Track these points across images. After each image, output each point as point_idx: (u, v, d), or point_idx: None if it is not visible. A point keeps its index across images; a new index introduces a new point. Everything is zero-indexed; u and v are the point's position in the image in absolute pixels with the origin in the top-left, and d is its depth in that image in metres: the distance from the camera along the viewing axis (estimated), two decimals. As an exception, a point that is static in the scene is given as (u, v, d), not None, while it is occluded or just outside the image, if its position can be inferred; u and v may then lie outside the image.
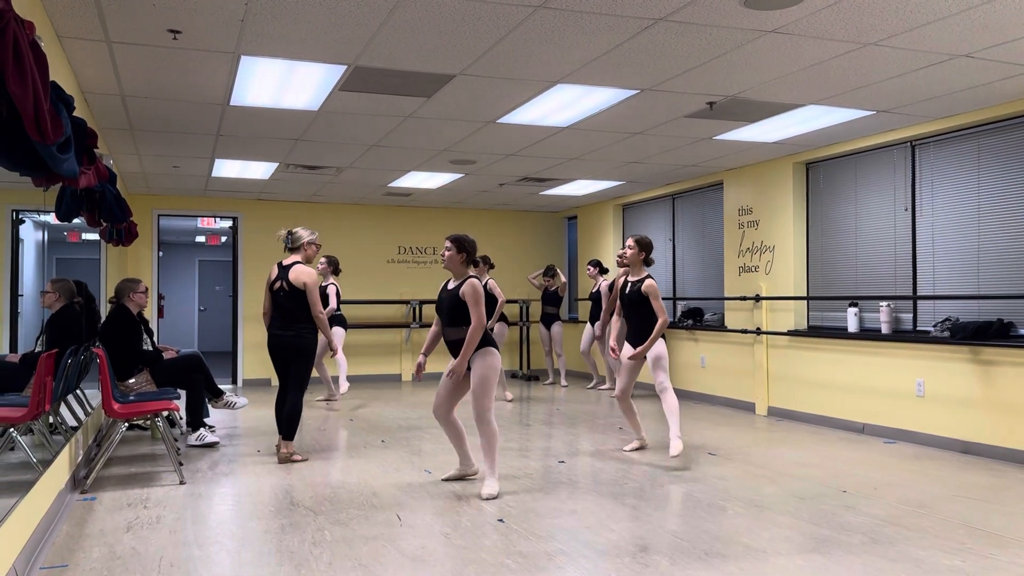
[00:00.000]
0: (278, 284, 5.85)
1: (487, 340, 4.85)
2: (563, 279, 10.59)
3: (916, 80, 5.33)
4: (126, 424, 5.47)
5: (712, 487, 5.01)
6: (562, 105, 5.96)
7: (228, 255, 14.66)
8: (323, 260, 8.57)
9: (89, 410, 5.95)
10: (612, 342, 6.24)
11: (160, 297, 11.18)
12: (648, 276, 5.89)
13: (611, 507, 4.53)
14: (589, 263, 10.29)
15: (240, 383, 11.00)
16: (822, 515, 4.36)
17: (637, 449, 6.20)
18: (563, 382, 10.67)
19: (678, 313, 9.94)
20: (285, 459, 5.78)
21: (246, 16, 4.15)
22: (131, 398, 5.66)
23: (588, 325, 10.23)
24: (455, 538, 3.95)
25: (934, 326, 6.49)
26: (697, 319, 9.48)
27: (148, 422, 6.89)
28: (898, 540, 3.91)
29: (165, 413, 5.47)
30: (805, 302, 8.02)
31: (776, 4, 3.99)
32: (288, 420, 5.82)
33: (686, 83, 5.40)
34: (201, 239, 16.07)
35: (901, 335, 6.79)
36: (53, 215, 4.21)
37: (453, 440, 5.14)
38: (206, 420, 6.60)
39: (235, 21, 4.22)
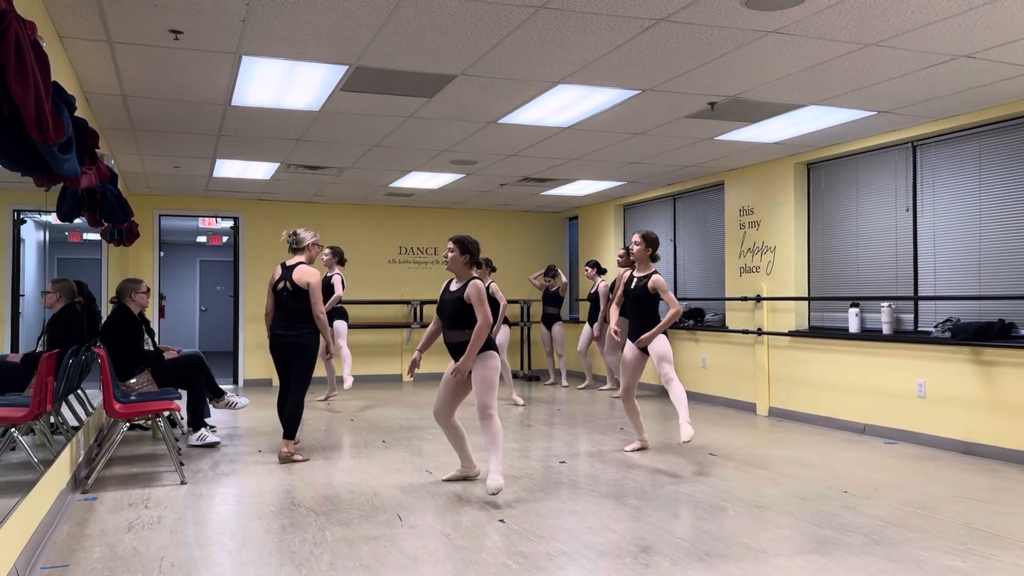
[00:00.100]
0: (281, 284, 5.89)
1: (488, 343, 4.84)
2: (564, 279, 10.60)
3: (917, 80, 5.33)
4: (127, 424, 5.47)
5: (713, 488, 5.00)
6: (563, 105, 5.96)
7: (229, 255, 14.66)
8: (328, 251, 8.46)
9: (90, 410, 5.95)
10: (614, 325, 6.23)
11: (161, 297, 11.18)
12: (655, 272, 5.88)
13: (612, 508, 4.52)
14: (587, 264, 10.31)
15: (241, 383, 11.01)
16: (823, 516, 4.36)
17: (638, 450, 6.19)
18: (564, 382, 10.67)
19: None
20: (286, 458, 5.79)
21: (247, 16, 4.15)
22: (132, 398, 5.66)
23: (586, 326, 10.24)
24: (456, 538, 3.95)
25: (935, 327, 6.49)
26: (698, 319, 9.48)
27: (149, 422, 6.89)
28: (899, 541, 3.91)
29: (166, 413, 5.47)
30: (806, 302, 8.02)
31: (777, 4, 3.99)
32: (289, 419, 5.83)
33: (687, 83, 5.40)
34: (202, 239, 16.08)
35: (902, 336, 6.79)
36: (54, 215, 4.22)
37: (454, 442, 5.14)
38: (207, 420, 6.60)
39: (236, 21, 4.22)
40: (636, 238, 5.94)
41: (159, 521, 4.28)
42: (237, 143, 7.30)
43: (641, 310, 5.88)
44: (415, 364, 5.13)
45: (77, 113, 3.27)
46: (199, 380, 6.47)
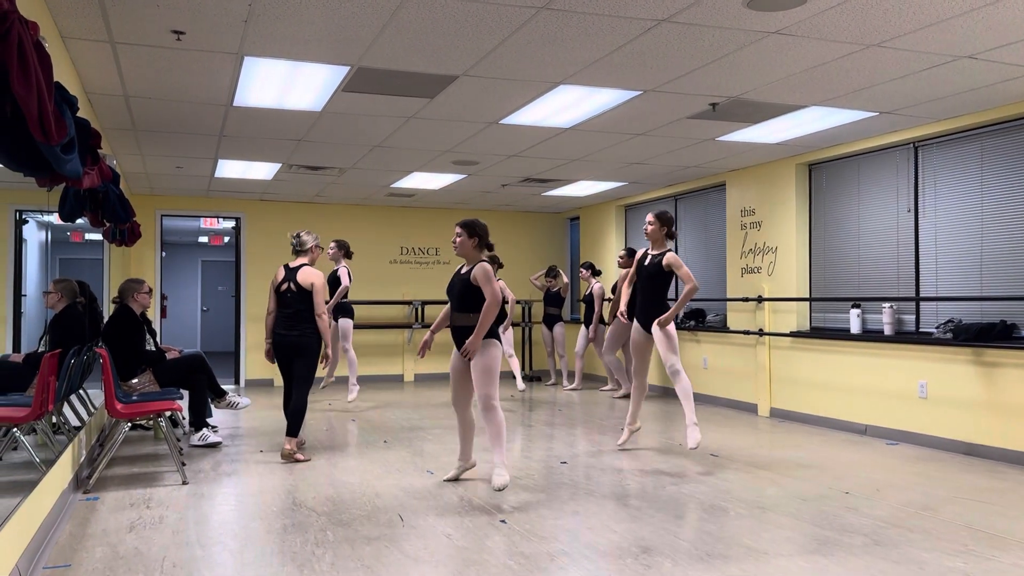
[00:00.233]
0: (285, 285, 5.93)
1: (490, 333, 4.81)
2: (565, 280, 10.61)
3: (919, 81, 5.33)
4: (129, 424, 5.48)
5: (714, 488, 5.00)
6: (565, 106, 5.96)
7: (231, 255, 14.66)
8: (333, 244, 8.38)
9: (92, 410, 5.96)
10: (622, 307, 6.19)
11: (163, 297, 11.19)
12: (669, 249, 5.79)
13: (613, 508, 4.52)
14: (582, 265, 10.36)
15: (243, 383, 11.01)
16: (824, 517, 4.35)
17: (628, 437, 6.25)
18: (565, 383, 10.67)
19: (680, 314, 9.93)
20: (288, 455, 5.79)
21: (249, 17, 4.15)
22: (134, 398, 5.67)
23: (582, 327, 10.25)
24: (457, 539, 3.95)
25: (937, 327, 6.48)
26: (699, 320, 9.48)
27: (151, 422, 6.89)
28: (900, 542, 3.90)
29: (168, 413, 5.47)
30: (807, 303, 8.01)
31: (779, 5, 3.99)
32: (292, 416, 5.86)
33: (689, 84, 5.40)
34: (204, 239, 16.09)
35: (904, 336, 6.78)
36: (56, 215, 4.22)
37: (461, 431, 5.15)
38: (209, 420, 6.60)
39: (239, 22, 4.23)
40: (650, 217, 5.85)
41: (161, 521, 4.28)
42: (239, 143, 7.30)
43: (654, 289, 5.76)
44: (426, 346, 5.06)
45: (79, 113, 3.28)
46: (201, 380, 6.48)
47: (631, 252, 9.38)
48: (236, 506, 4.61)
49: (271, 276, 6.49)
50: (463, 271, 4.91)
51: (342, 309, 8.41)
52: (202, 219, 12.31)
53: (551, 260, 12.62)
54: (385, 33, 4.40)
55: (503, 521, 4.27)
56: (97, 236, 6.29)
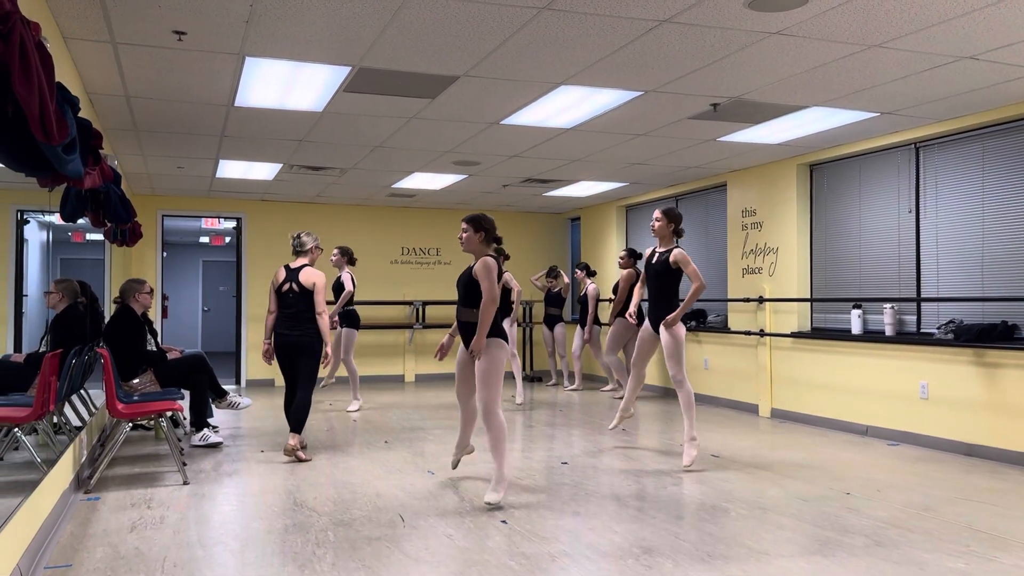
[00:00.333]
0: (287, 286, 5.95)
1: (497, 331, 4.67)
2: (566, 280, 10.61)
3: (920, 82, 5.33)
4: (130, 424, 5.48)
5: (715, 489, 5.00)
6: (566, 106, 5.96)
7: (232, 256, 14.68)
8: (336, 251, 8.38)
9: (93, 410, 5.96)
10: (632, 308, 6.12)
11: (164, 297, 11.20)
12: (677, 246, 5.65)
13: (614, 509, 4.52)
14: (576, 266, 10.36)
15: (244, 383, 11.02)
16: (825, 517, 4.35)
17: (619, 422, 6.39)
18: (566, 383, 10.67)
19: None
20: (291, 451, 5.80)
21: (251, 17, 4.16)
22: (135, 398, 5.67)
23: (578, 328, 10.25)
24: (458, 539, 3.95)
25: (938, 328, 6.48)
26: (700, 321, 9.48)
27: (152, 422, 6.90)
28: (901, 542, 3.90)
29: (169, 413, 5.47)
30: (809, 304, 8.01)
31: (780, 6, 3.99)
32: (296, 413, 5.88)
33: (690, 85, 5.40)
34: (205, 240, 16.10)
35: (905, 337, 6.78)
36: (58, 215, 4.22)
37: (463, 420, 5.14)
38: (210, 420, 6.61)
39: (240, 22, 4.23)
40: (657, 214, 5.71)
41: (162, 521, 4.28)
42: (240, 144, 7.31)
43: (662, 288, 5.64)
44: (443, 349, 4.96)
45: (81, 114, 3.28)
46: (202, 380, 6.48)
47: (632, 252, 9.39)
48: (237, 506, 4.61)
49: (272, 276, 6.48)
50: (472, 266, 4.79)
51: (347, 317, 8.39)
52: (203, 219, 12.32)
53: (552, 260, 12.63)
54: (386, 33, 4.40)
55: (504, 521, 4.27)
56: (98, 236, 6.30)
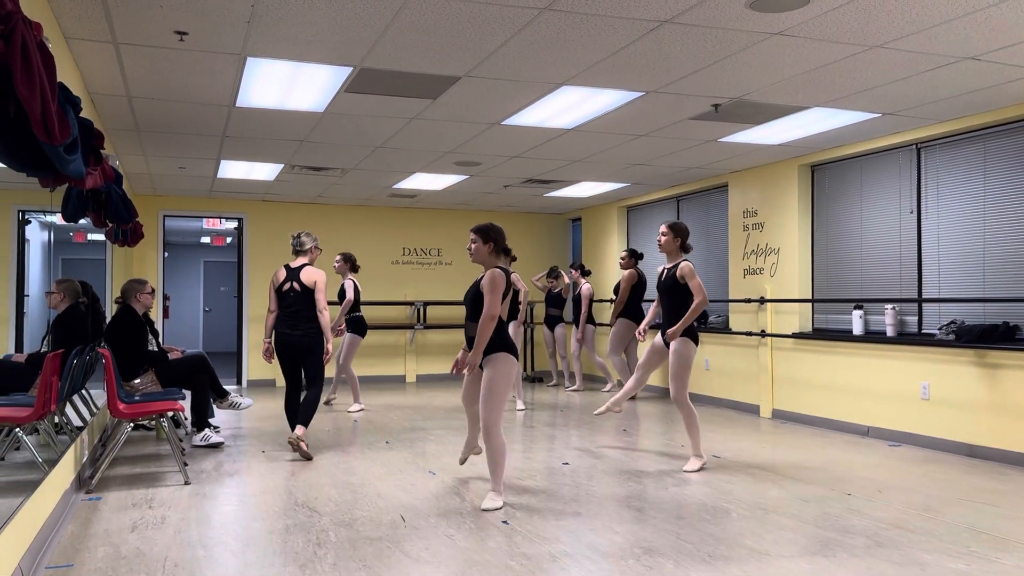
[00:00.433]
0: (288, 285, 5.97)
1: (506, 344, 4.54)
2: (567, 281, 10.61)
3: (922, 82, 5.32)
4: (131, 424, 5.48)
5: (716, 489, 5.00)
6: (567, 107, 5.96)
7: (233, 256, 14.69)
8: (339, 257, 8.40)
9: (94, 410, 5.96)
10: (644, 325, 6.06)
11: (166, 298, 11.20)
12: (684, 260, 5.60)
13: (615, 509, 4.52)
14: (571, 266, 10.36)
15: (245, 384, 11.02)
16: (826, 518, 4.35)
17: (605, 410, 6.32)
18: (567, 384, 10.67)
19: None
20: (296, 441, 5.83)
21: (252, 18, 4.16)
22: (136, 398, 5.67)
23: (573, 328, 10.25)
24: (459, 539, 3.95)
25: (939, 329, 6.48)
26: (701, 321, 9.47)
27: (153, 422, 6.90)
28: (903, 543, 3.90)
29: (170, 413, 5.48)
30: (810, 304, 8.00)
31: (782, 6, 3.99)
32: (305, 408, 5.94)
33: (691, 85, 5.40)
34: (206, 240, 16.11)
35: (906, 338, 6.77)
36: (59, 216, 4.23)
37: (469, 422, 5.11)
38: (211, 420, 6.61)
39: (241, 23, 4.23)
40: (663, 228, 5.63)
41: (163, 521, 4.29)
42: (241, 144, 7.31)
43: (673, 304, 5.56)
44: (459, 364, 4.70)
45: (82, 114, 3.28)
46: (203, 380, 6.49)
47: (633, 253, 9.41)
48: (238, 506, 4.61)
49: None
50: (480, 278, 4.68)
51: (353, 323, 8.39)
52: (204, 220, 12.32)
53: (553, 261, 12.63)
54: (388, 34, 4.40)
55: (505, 522, 4.26)
56: (100, 236, 6.30)
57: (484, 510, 4.49)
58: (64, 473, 4.46)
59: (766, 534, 4.05)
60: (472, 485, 5.12)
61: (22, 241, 3.76)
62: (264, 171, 8.72)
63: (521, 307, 8.63)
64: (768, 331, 8.22)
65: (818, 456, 6.10)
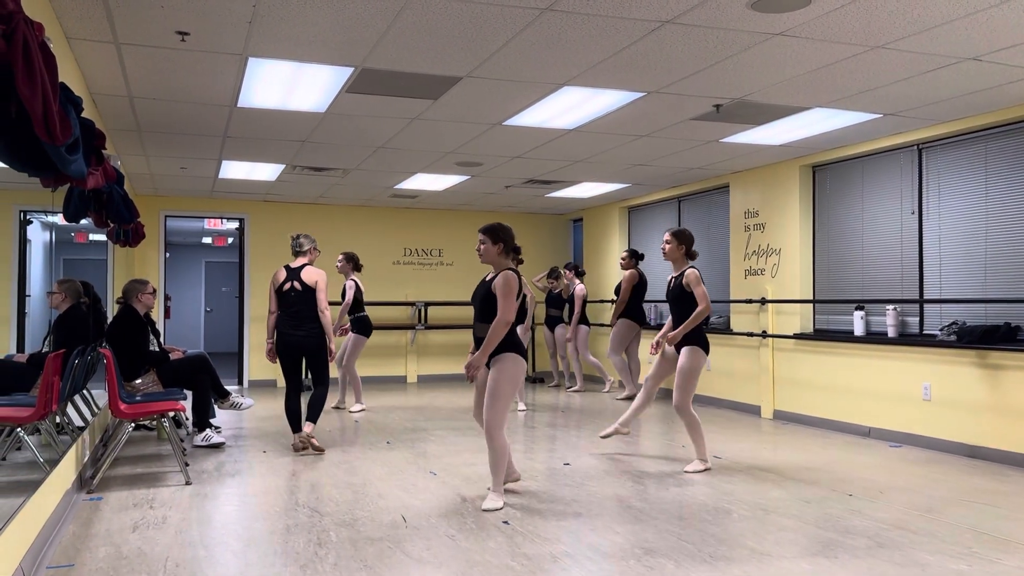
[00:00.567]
0: (288, 285, 5.99)
1: (514, 345, 4.49)
2: (567, 281, 10.61)
3: (923, 83, 5.32)
4: (132, 424, 5.49)
5: (717, 490, 5.00)
6: (568, 107, 5.97)
7: (235, 256, 14.69)
8: (341, 257, 8.37)
9: (96, 410, 5.97)
10: (658, 336, 6.02)
11: (167, 298, 11.21)
12: (690, 267, 5.57)
13: (616, 509, 4.52)
14: (565, 266, 10.37)
15: (246, 384, 11.03)
16: (828, 519, 4.35)
17: (613, 432, 6.17)
18: (568, 384, 10.67)
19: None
20: (305, 439, 5.98)
21: (254, 18, 4.16)
22: (137, 398, 5.68)
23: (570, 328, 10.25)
24: (460, 540, 3.95)
25: (941, 329, 6.47)
26: (703, 323, 9.44)
27: (154, 422, 6.91)
28: (904, 544, 3.90)
29: (171, 413, 5.48)
30: (811, 305, 8.00)
31: (783, 7, 3.98)
32: (312, 406, 6.04)
33: (693, 86, 5.39)
34: (208, 240, 16.12)
35: (907, 338, 6.77)
36: (61, 216, 4.23)
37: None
38: (212, 421, 6.62)
39: (243, 23, 4.24)
40: (667, 236, 5.62)
41: (164, 521, 4.29)
42: (243, 144, 7.31)
43: (681, 312, 5.55)
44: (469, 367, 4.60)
45: (84, 114, 3.29)
46: (204, 381, 6.49)
47: (633, 253, 9.41)
48: (239, 506, 4.61)
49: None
50: (488, 278, 4.62)
51: (358, 323, 8.36)
52: (206, 220, 12.34)
53: (554, 262, 12.62)
54: (389, 34, 4.40)
55: (506, 522, 4.26)
56: (101, 237, 6.31)
57: (485, 510, 4.49)
58: (65, 473, 4.47)
59: (767, 535, 4.05)
60: (473, 486, 5.12)
61: (24, 241, 3.76)
62: (265, 171, 8.73)
63: (529, 311, 8.62)
64: (769, 332, 8.22)
65: (819, 457, 6.09)
